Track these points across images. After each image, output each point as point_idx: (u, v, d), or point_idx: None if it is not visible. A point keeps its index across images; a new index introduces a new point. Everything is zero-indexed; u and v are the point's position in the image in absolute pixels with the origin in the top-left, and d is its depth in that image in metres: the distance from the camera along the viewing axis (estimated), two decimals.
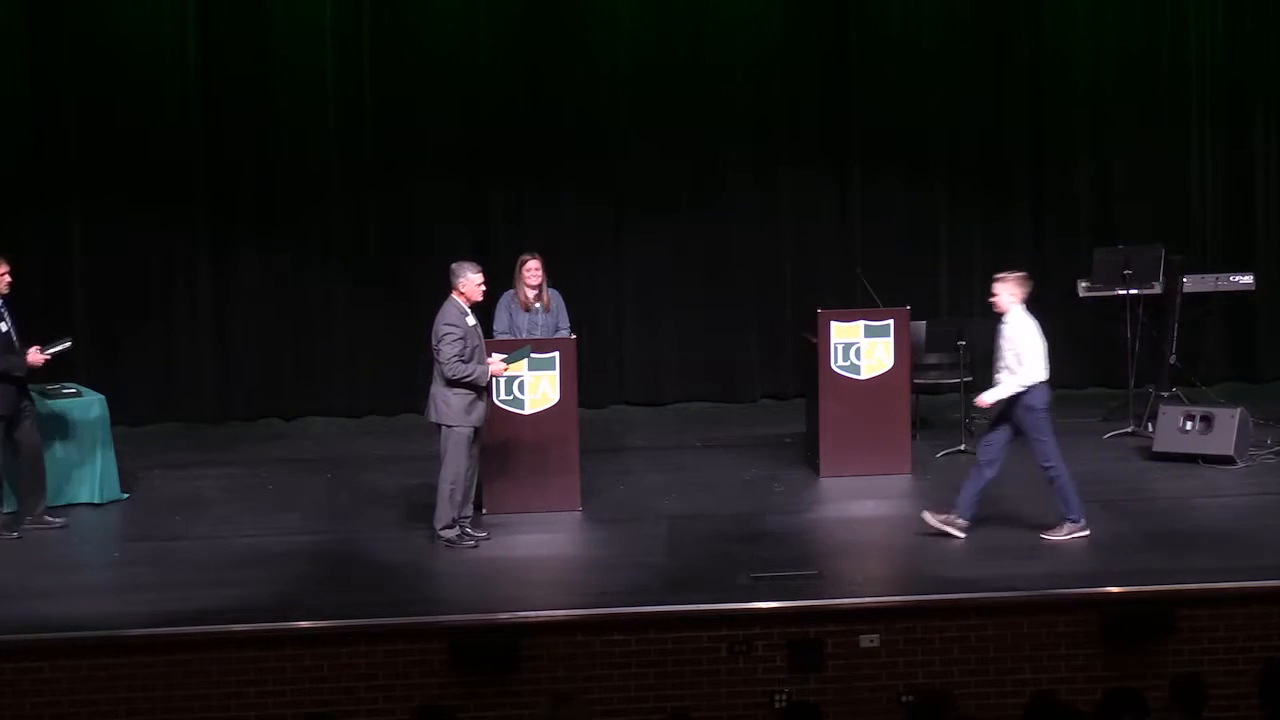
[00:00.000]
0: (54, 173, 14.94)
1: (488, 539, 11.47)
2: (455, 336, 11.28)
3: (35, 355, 11.68)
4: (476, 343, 11.42)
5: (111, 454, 12.71)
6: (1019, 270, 11.69)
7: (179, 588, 10.72)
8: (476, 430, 11.45)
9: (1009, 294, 11.51)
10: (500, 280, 12.62)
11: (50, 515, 11.98)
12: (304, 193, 15.18)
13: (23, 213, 14.80)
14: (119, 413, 13.25)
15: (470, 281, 11.45)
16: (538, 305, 12.80)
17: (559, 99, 15.35)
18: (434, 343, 11.38)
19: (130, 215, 14.95)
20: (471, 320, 11.45)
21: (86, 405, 12.57)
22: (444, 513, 11.38)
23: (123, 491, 12.76)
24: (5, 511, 11.98)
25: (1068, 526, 11.37)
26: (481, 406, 11.42)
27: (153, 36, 15.01)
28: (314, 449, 14.33)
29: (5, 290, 11.79)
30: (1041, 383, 11.46)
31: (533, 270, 12.77)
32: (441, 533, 11.40)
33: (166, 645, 9.90)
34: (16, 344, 11.71)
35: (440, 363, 11.29)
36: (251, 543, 11.68)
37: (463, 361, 11.28)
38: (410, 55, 15.26)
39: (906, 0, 15.62)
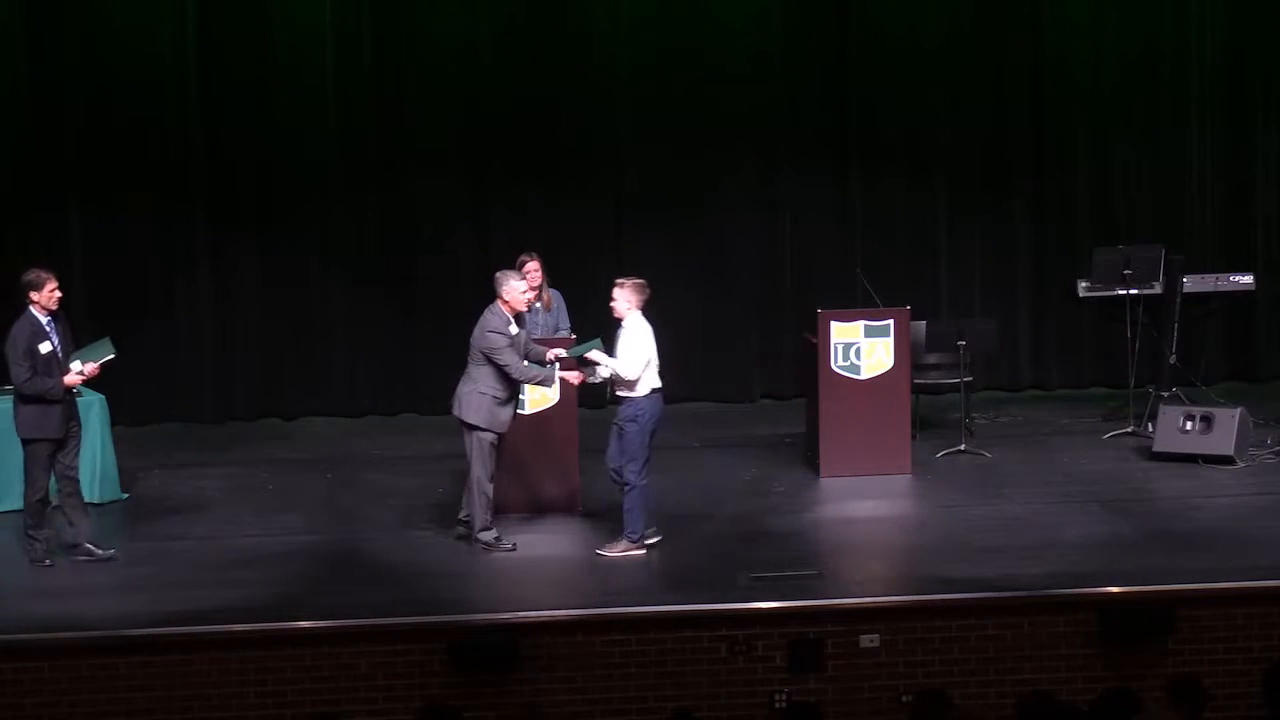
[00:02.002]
0: (54, 172, 14.92)
1: (513, 549, 11.42)
2: (506, 343, 11.27)
3: (71, 377, 11.16)
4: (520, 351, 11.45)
5: (111, 454, 12.70)
6: (637, 277, 11.61)
7: (179, 588, 10.72)
8: (500, 435, 11.43)
9: (626, 299, 11.44)
10: None
11: (94, 544, 11.27)
12: (304, 192, 15.16)
13: (23, 213, 14.81)
14: (119, 413, 13.25)
15: (515, 289, 11.44)
16: (538, 305, 12.80)
17: (559, 99, 15.33)
18: (476, 348, 11.33)
19: (130, 215, 14.93)
20: (514, 329, 11.42)
21: (86, 405, 12.48)
22: (480, 516, 11.36)
23: (123, 491, 12.77)
24: (67, 542, 11.31)
25: (623, 544, 11.30)
26: (506, 412, 11.40)
27: (153, 36, 15.00)
28: (314, 449, 14.32)
29: (54, 306, 11.19)
30: (647, 395, 11.39)
31: (532, 271, 12.74)
32: (479, 535, 11.38)
33: (166, 645, 9.90)
34: (61, 365, 11.18)
35: (505, 367, 11.23)
36: (251, 543, 11.68)
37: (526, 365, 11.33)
38: (410, 55, 15.25)
39: (906, 1, 15.61)
